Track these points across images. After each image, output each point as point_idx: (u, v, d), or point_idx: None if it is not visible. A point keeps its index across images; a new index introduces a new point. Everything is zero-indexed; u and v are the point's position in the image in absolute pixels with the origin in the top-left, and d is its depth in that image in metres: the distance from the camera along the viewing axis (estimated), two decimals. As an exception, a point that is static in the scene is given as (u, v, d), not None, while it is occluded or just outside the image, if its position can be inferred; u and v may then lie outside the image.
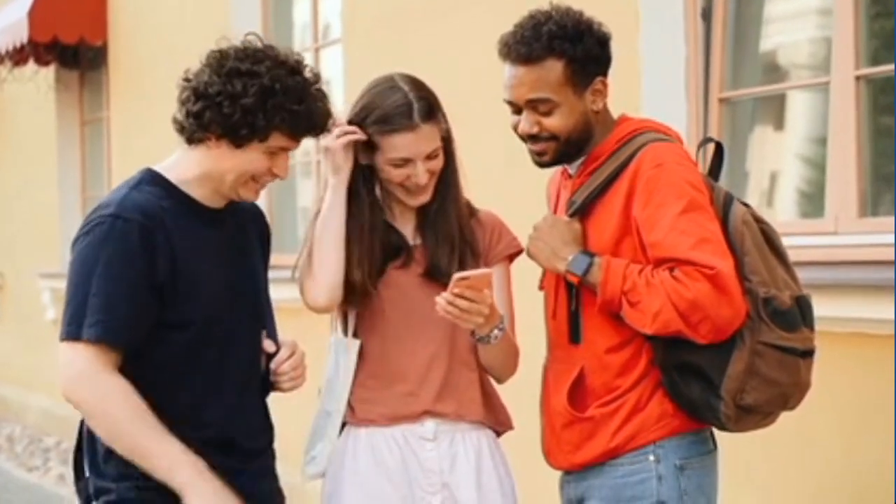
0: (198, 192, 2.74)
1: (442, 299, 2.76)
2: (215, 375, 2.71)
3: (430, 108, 2.90)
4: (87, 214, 2.72)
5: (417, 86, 2.93)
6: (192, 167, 2.72)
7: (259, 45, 2.68)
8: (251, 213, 2.91)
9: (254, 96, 2.60)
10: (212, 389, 2.71)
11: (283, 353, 2.82)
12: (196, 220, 2.72)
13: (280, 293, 4.03)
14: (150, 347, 2.65)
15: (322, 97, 2.71)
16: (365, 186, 2.98)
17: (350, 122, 2.93)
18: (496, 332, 2.87)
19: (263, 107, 2.60)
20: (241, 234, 2.84)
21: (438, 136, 2.92)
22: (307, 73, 2.69)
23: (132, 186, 2.71)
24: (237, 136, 2.63)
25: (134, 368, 2.64)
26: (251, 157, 2.67)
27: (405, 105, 2.88)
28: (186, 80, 2.68)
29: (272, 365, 2.82)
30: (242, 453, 2.77)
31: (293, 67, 2.66)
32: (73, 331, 2.61)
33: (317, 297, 2.94)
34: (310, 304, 2.96)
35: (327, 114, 2.73)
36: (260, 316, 2.84)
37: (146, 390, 2.63)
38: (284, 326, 3.08)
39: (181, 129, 2.70)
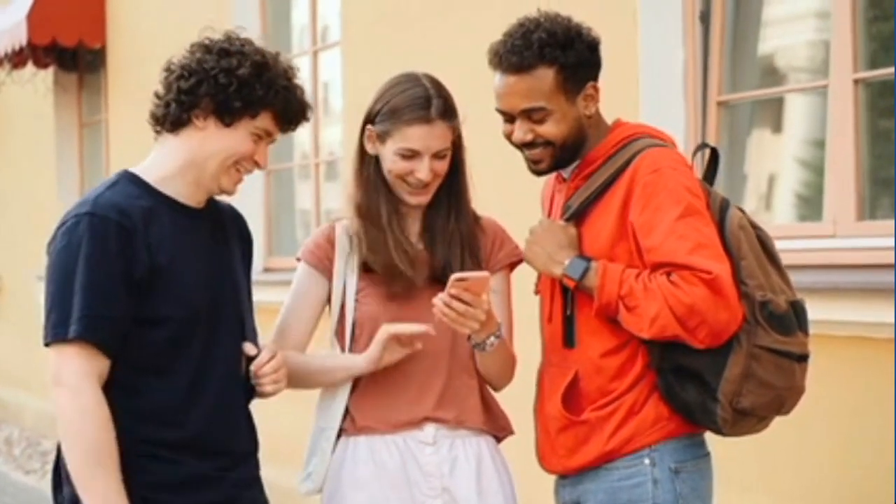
0: (177, 189, 2.73)
1: (439, 300, 2.75)
2: (195, 376, 2.69)
3: (448, 108, 2.91)
4: (65, 213, 2.72)
5: (439, 86, 2.95)
6: (173, 158, 2.72)
7: (238, 34, 2.76)
8: (230, 216, 2.90)
9: (249, 68, 2.65)
10: (192, 390, 2.69)
11: (263, 356, 2.80)
12: (174, 219, 2.71)
13: (276, 296, 4.03)
14: (128, 346, 2.63)
15: (302, 89, 2.77)
16: (378, 176, 2.97)
17: (369, 110, 2.95)
18: (492, 339, 2.87)
19: (259, 79, 2.66)
20: (220, 236, 2.82)
21: (450, 137, 2.92)
22: (285, 64, 2.76)
23: (108, 186, 2.71)
24: (230, 109, 2.66)
25: (113, 368, 2.63)
26: (238, 138, 2.69)
27: (424, 98, 2.89)
28: (169, 69, 2.72)
29: (252, 367, 2.79)
30: (225, 457, 2.75)
31: (274, 56, 2.74)
32: (59, 332, 2.59)
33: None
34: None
35: (308, 104, 2.79)
36: (241, 318, 2.82)
37: (125, 390, 2.62)
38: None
39: (164, 117, 2.71)
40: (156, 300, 2.64)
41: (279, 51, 2.79)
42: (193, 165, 2.71)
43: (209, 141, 2.69)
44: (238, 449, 2.79)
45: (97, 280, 2.59)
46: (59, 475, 2.71)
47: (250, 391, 2.83)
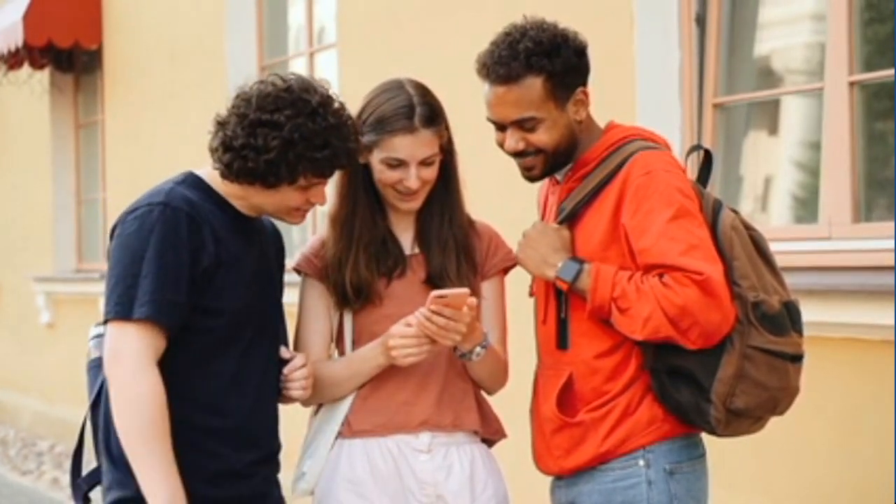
0: (236, 203, 2.81)
1: (420, 315, 2.77)
2: (238, 368, 2.76)
3: (432, 115, 2.90)
4: (134, 202, 2.76)
5: (423, 92, 2.93)
6: (230, 189, 2.80)
7: (281, 86, 2.71)
8: (270, 232, 2.98)
9: (275, 150, 2.67)
10: (234, 381, 2.76)
11: (297, 361, 2.87)
12: (234, 220, 2.79)
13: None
14: (184, 333, 2.69)
15: (346, 134, 2.74)
16: (366, 190, 2.97)
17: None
18: (478, 349, 2.88)
19: (285, 158, 2.68)
20: (266, 246, 2.91)
21: (437, 144, 2.91)
22: (333, 107, 2.73)
23: (178, 182, 2.79)
24: (266, 182, 2.72)
25: (165, 354, 2.68)
26: (285, 195, 2.76)
27: (407, 107, 2.88)
28: (219, 123, 2.75)
29: (285, 370, 2.87)
30: (258, 451, 2.81)
31: (314, 109, 2.70)
32: (122, 310, 2.64)
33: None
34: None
35: (352, 151, 2.79)
36: (278, 320, 2.91)
37: (176, 377, 2.67)
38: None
39: (216, 161, 2.76)
40: (216, 291, 2.72)
41: (324, 90, 2.73)
42: (252, 203, 2.80)
43: (258, 196, 2.77)
44: (270, 445, 2.86)
45: (167, 265, 2.65)
46: (80, 463, 2.79)
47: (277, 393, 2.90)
